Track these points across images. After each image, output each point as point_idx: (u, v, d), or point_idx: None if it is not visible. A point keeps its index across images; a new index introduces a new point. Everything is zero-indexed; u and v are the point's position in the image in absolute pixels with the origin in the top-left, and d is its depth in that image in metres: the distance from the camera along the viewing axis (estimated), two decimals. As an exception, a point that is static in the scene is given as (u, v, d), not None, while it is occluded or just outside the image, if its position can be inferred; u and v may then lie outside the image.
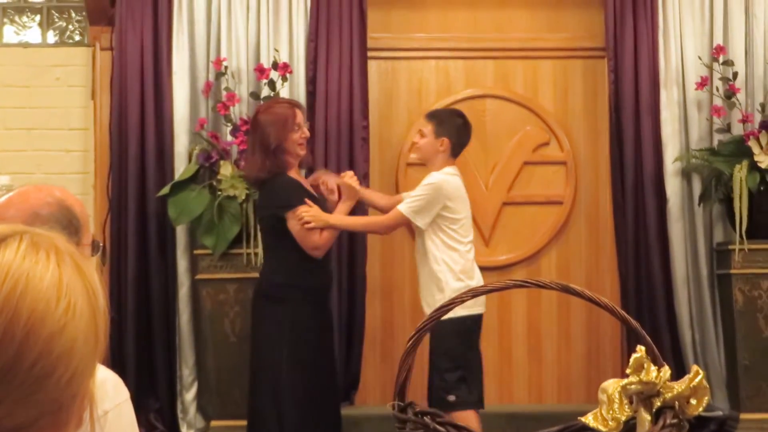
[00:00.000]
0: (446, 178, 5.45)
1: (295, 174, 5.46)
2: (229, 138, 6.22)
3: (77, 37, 6.90)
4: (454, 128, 5.52)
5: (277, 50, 6.37)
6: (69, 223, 2.25)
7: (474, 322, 5.41)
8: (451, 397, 5.25)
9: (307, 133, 5.47)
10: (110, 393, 2.11)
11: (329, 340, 5.45)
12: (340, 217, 5.39)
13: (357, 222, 5.64)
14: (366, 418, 6.19)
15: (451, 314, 5.32)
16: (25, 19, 6.89)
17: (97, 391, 1.26)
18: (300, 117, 5.43)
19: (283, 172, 5.35)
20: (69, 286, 1.19)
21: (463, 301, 1.88)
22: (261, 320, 5.41)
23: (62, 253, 1.21)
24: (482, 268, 6.63)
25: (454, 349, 5.30)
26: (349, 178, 5.36)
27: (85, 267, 1.23)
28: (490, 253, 6.74)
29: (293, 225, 5.30)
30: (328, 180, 5.57)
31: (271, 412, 5.25)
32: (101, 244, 2.36)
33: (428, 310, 5.40)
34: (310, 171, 5.98)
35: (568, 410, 6.05)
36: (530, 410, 6.55)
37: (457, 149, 5.57)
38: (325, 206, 5.39)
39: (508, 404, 6.62)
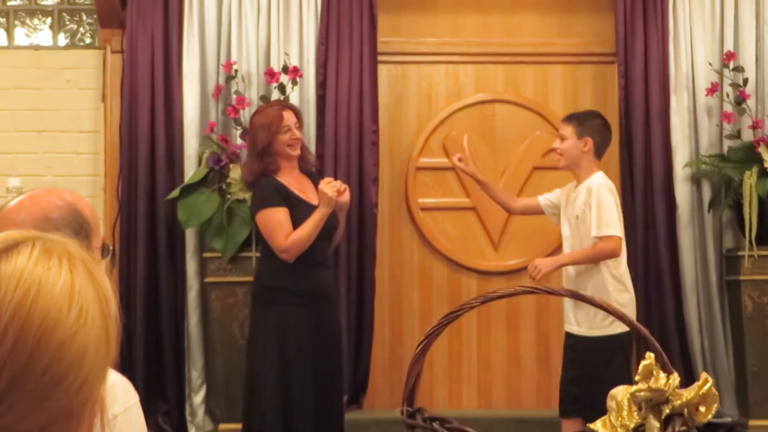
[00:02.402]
0: (604, 182, 5.42)
1: (289, 176, 5.40)
2: (239, 141, 6.23)
3: (88, 40, 6.91)
4: (595, 127, 5.48)
5: (287, 54, 6.38)
6: (79, 227, 2.26)
7: (628, 339, 5.41)
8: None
9: (297, 135, 5.40)
10: (120, 397, 2.12)
11: (325, 346, 5.31)
12: (570, 256, 5.40)
13: (579, 255, 5.41)
14: (374, 422, 6.19)
15: (606, 331, 5.38)
16: (36, 21, 6.91)
17: (106, 395, 1.26)
18: (289, 118, 5.38)
19: (269, 175, 5.33)
20: (81, 292, 1.19)
21: (472, 307, 1.88)
22: (251, 322, 5.45)
23: (75, 260, 1.22)
24: (491, 273, 6.67)
25: (602, 364, 5.30)
26: (325, 184, 5.23)
27: (98, 273, 1.23)
28: (499, 258, 6.75)
29: (261, 227, 5.31)
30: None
31: (255, 414, 5.25)
32: (111, 248, 2.36)
33: (577, 328, 5.42)
34: (320, 173, 5.97)
35: (576, 416, 6.05)
36: (539, 415, 6.54)
37: (600, 149, 5.52)
38: (309, 211, 5.29)
39: (516, 409, 6.62)
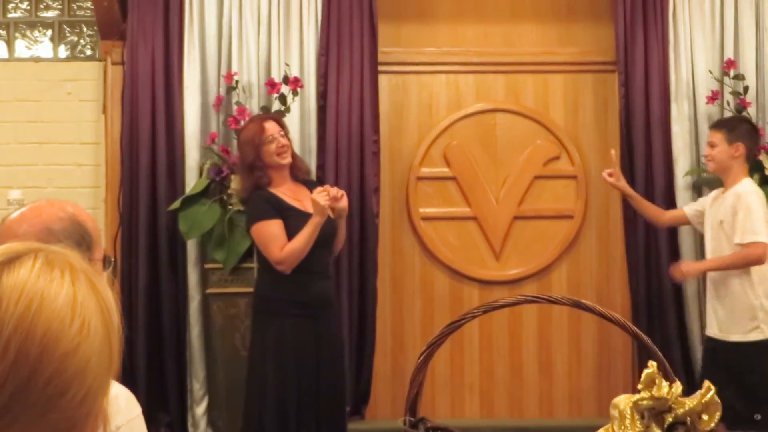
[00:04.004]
0: (753, 189, 5.58)
1: (282, 186, 5.40)
2: (240, 152, 6.23)
3: (88, 52, 6.91)
4: (745, 132, 5.65)
5: (288, 64, 6.39)
6: (81, 239, 2.26)
7: None
8: (757, 416, 5.32)
9: (283, 142, 5.42)
10: (122, 408, 2.12)
11: (326, 356, 5.31)
12: None
13: (723, 262, 5.53)
14: (377, 433, 6.20)
15: (747, 338, 5.56)
16: (36, 33, 6.91)
17: (109, 406, 1.26)
18: (271, 128, 5.39)
19: (261, 187, 5.35)
20: (83, 304, 1.19)
21: (474, 317, 1.88)
22: (252, 333, 5.47)
23: (77, 272, 1.22)
24: (493, 283, 6.67)
25: (743, 370, 5.40)
26: (317, 193, 5.20)
27: (100, 285, 1.23)
28: (501, 268, 6.74)
29: (256, 240, 5.33)
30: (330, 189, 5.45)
31: (254, 426, 5.25)
32: (113, 260, 2.37)
33: (719, 333, 5.53)
34: (320, 182, 5.96)
35: (578, 425, 6.06)
36: (541, 425, 6.54)
37: (751, 153, 5.71)
38: (305, 220, 5.27)
39: (518, 419, 6.61)
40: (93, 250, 2.29)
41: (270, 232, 5.25)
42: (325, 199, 5.16)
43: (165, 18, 6.45)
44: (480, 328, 6.64)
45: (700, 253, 6.43)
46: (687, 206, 6.00)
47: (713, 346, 5.54)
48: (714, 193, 5.82)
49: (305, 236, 5.19)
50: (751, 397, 5.35)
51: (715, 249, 5.60)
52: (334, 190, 5.30)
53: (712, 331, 5.57)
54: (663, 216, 6.07)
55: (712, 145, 5.69)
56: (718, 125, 5.86)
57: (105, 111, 6.67)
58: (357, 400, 6.36)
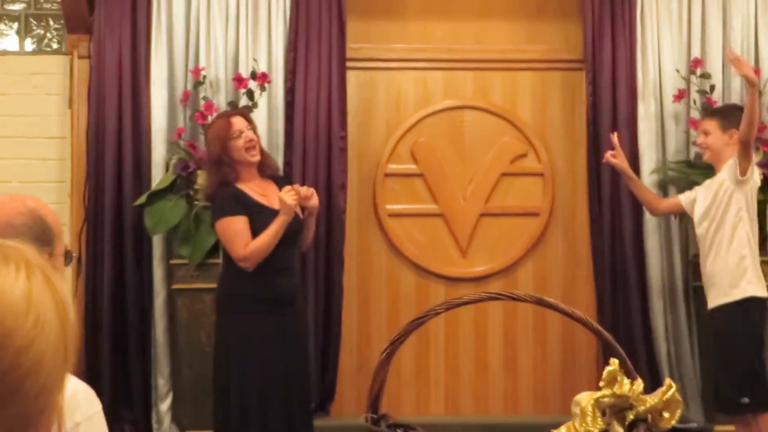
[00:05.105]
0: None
1: (251, 182, 5.39)
2: (207, 147, 6.21)
3: (55, 45, 6.87)
4: (739, 119, 5.62)
5: (255, 60, 6.37)
6: (42, 234, 2.25)
7: (763, 305, 5.58)
8: (745, 399, 5.35)
9: (251, 136, 5.41)
10: (82, 405, 2.10)
11: (291, 353, 5.30)
12: None
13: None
14: (342, 429, 6.18)
15: (737, 296, 5.65)
16: (2, 26, 6.87)
17: (68, 402, 1.25)
18: (237, 123, 5.39)
19: (228, 183, 5.33)
20: (38, 300, 1.18)
21: (437, 314, 1.87)
22: (216, 330, 5.47)
23: (32, 266, 1.21)
24: (459, 279, 6.68)
25: (743, 338, 5.45)
26: (285, 192, 5.20)
27: (55, 280, 1.22)
28: (467, 265, 6.75)
29: (220, 236, 5.33)
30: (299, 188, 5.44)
31: (225, 423, 5.24)
32: (74, 255, 2.36)
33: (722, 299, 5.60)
34: (288, 178, 5.94)
35: (543, 421, 6.05)
36: (506, 421, 6.54)
37: None
38: (272, 217, 5.25)
39: (484, 415, 6.62)
40: (54, 245, 2.28)
41: (235, 228, 5.23)
42: (292, 199, 5.15)
43: (132, 12, 6.42)
44: (446, 325, 6.64)
45: (666, 249, 6.46)
46: (682, 195, 6.03)
47: None
48: (707, 182, 5.86)
49: (270, 234, 5.18)
50: (734, 377, 5.55)
51: (714, 215, 5.63)
52: (304, 190, 5.29)
53: None
54: (660, 204, 6.12)
55: (706, 133, 5.76)
56: (711, 114, 5.94)
57: (71, 105, 6.63)
58: (322, 397, 6.35)
